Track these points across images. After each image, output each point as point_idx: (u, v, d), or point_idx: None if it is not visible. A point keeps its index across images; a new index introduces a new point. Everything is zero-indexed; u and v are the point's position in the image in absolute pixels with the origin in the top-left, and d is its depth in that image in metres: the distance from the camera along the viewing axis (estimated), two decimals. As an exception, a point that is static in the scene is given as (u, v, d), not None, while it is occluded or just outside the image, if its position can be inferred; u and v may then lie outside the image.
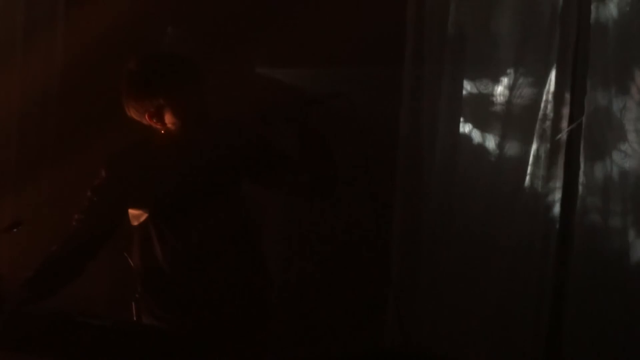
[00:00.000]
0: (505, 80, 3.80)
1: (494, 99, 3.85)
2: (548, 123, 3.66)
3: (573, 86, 3.62)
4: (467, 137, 3.95)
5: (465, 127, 3.95)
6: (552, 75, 3.64)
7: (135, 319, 3.30)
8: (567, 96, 3.63)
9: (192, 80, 3.15)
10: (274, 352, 3.34)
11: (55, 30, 4.30)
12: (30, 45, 4.26)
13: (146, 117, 3.16)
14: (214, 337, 3.13)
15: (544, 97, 3.67)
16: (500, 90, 3.81)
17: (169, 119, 3.16)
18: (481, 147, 3.91)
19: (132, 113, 3.19)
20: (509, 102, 3.79)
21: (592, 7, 3.56)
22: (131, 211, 3.24)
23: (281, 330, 3.44)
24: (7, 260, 3.68)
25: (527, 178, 3.71)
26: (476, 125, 3.93)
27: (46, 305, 3.14)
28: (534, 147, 3.70)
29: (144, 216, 3.22)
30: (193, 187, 3.19)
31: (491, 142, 3.86)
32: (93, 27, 4.18)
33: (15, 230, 3.20)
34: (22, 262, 3.31)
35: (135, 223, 3.25)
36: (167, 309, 3.23)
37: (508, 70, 3.79)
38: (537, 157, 3.70)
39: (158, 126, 3.19)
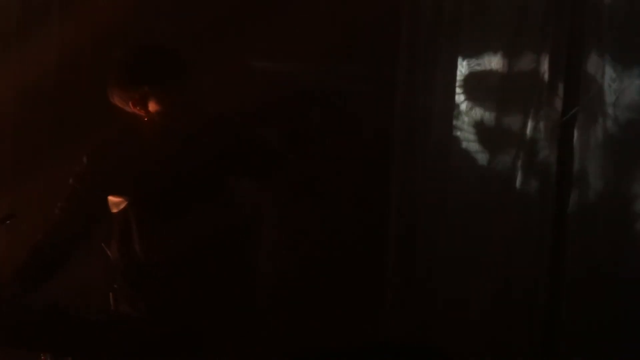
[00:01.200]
0: (499, 65, 3.79)
1: (487, 86, 3.85)
2: (542, 112, 3.65)
3: (568, 72, 3.61)
4: (462, 128, 3.95)
5: (460, 117, 3.95)
6: (547, 60, 3.63)
7: (113, 309, 3.31)
8: (561, 85, 3.62)
9: (177, 71, 3.18)
10: (262, 346, 3.34)
11: (51, 25, 4.31)
12: (26, 39, 4.27)
13: (130, 104, 3.19)
14: (196, 332, 3.14)
15: (538, 85, 3.66)
16: (493, 76, 3.81)
17: (152, 107, 3.18)
18: (475, 137, 3.91)
19: (117, 101, 3.23)
20: (502, 89, 3.79)
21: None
22: (111, 198, 3.25)
23: (268, 323, 3.44)
24: (1, 254, 3.69)
25: (521, 167, 3.71)
26: (471, 113, 3.93)
27: (38, 298, 3.16)
28: (528, 133, 3.69)
29: (124, 203, 3.23)
30: (175, 177, 3.20)
31: (485, 132, 3.87)
32: (87, 22, 4.19)
33: (7, 222, 3.23)
34: (17, 256, 3.30)
35: (114, 210, 3.26)
36: (145, 300, 3.24)
37: (503, 54, 3.78)
38: (531, 143, 3.69)
39: (142, 113, 3.21)
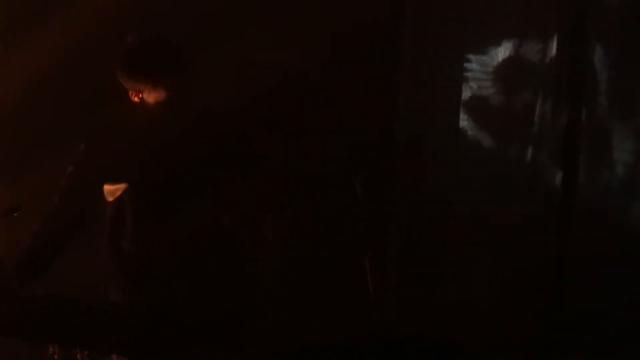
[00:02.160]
0: (505, 53, 3.80)
1: (494, 73, 3.85)
2: (548, 105, 3.67)
3: (573, 58, 3.62)
4: (468, 116, 3.96)
5: (466, 106, 3.96)
6: (554, 48, 3.64)
7: (105, 297, 3.32)
8: (568, 70, 3.62)
9: (180, 65, 3.16)
10: (255, 340, 3.35)
11: (50, 15, 4.30)
12: (26, 32, 4.26)
13: (131, 94, 3.18)
14: (191, 326, 3.15)
15: (544, 74, 3.67)
16: (500, 63, 3.82)
17: (151, 98, 3.16)
18: (482, 127, 3.92)
19: (124, 83, 3.21)
20: (509, 77, 3.79)
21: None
22: (107, 186, 3.26)
23: (265, 320, 3.44)
24: (5, 245, 3.68)
25: (529, 152, 3.72)
26: (477, 103, 3.94)
27: (42, 289, 3.17)
28: (535, 123, 3.70)
29: (119, 191, 3.24)
30: (170, 168, 3.21)
31: (492, 121, 3.87)
32: (86, 12, 4.18)
33: (15, 214, 3.23)
34: (19, 247, 3.31)
35: (110, 198, 3.27)
36: (136, 290, 3.26)
37: (508, 42, 3.78)
38: (539, 131, 3.69)
39: (139, 103, 3.19)
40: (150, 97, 3.17)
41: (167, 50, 3.16)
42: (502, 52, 3.82)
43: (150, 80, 3.13)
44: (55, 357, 3.17)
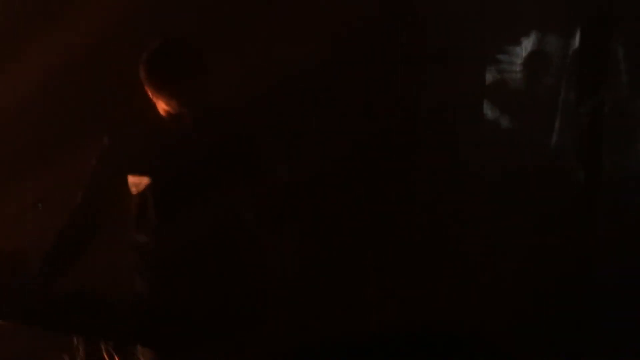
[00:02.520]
0: (529, 43, 3.78)
1: (518, 59, 3.84)
2: (572, 93, 3.64)
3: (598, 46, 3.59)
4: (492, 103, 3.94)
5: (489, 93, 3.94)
6: (577, 37, 3.61)
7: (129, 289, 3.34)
8: (591, 55, 3.59)
9: (201, 69, 3.17)
10: (268, 336, 3.36)
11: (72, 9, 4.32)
12: (50, 24, 4.28)
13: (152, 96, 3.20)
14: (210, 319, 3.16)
15: (569, 58, 3.64)
16: (524, 51, 3.80)
17: (170, 103, 3.18)
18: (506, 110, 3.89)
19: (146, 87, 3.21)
20: (533, 64, 3.77)
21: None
22: (131, 179, 3.27)
23: (276, 316, 3.44)
24: (31, 238, 3.71)
25: (554, 137, 3.70)
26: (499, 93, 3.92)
27: (67, 282, 3.20)
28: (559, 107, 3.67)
29: (143, 184, 3.25)
30: (192, 164, 3.21)
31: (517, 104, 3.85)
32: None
33: (39, 206, 3.25)
34: (46, 239, 3.33)
35: (134, 191, 3.28)
36: (161, 283, 3.27)
37: (531, 32, 3.76)
38: (564, 116, 3.67)
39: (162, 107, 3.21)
40: (172, 102, 3.18)
41: (187, 57, 3.16)
42: (526, 41, 3.80)
43: (171, 86, 3.14)
44: (80, 348, 3.19)
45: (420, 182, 4.17)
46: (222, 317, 3.21)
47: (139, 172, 3.26)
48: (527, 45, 3.84)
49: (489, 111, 3.99)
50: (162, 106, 3.19)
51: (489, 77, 3.99)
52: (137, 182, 3.27)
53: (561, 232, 3.74)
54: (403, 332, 3.54)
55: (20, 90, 4.20)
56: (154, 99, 3.20)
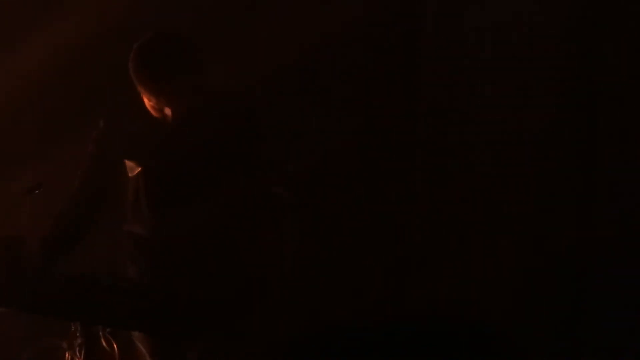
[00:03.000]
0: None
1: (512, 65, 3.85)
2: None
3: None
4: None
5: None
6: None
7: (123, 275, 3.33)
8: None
9: (196, 69, 3.17)
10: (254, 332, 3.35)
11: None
12: (47, 13, 4.28)
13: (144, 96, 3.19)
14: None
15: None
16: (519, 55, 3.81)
17: (163, 100, 3.17)
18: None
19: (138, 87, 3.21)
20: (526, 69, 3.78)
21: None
22: (127, 162, 3.26)
23: (271, 304, 3.44)
24: (29, 223, 3.70)
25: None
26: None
27: (65, 267, 3.19)
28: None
29: (137, 169, 3.24)
30: (182, 156, 3.21)
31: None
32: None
33: (37, 192, 3.25)
34: (44, 225, 3.33)
35: (130, 174, 3.27)
36: (151, 268, 3.26)
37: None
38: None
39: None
40: (160, 101, 3.17)
41: (180, 53, 3.15)
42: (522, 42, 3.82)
43: (160, 84, 3.13)
44: (78, 334, 3.18)
45: (422, 181, 4.18)
46: (216, 304, 3.20)
47: (133, 158, 3.25)
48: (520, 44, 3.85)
49: (487, 109, 3.99)
50: (149, 104, 3.17)
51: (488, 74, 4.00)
52: (132, 166, 3.27)
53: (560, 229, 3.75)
54: (405, 330, 3.54)
55: (17, 78, 4.20)
56: (143, 95, 3.18)
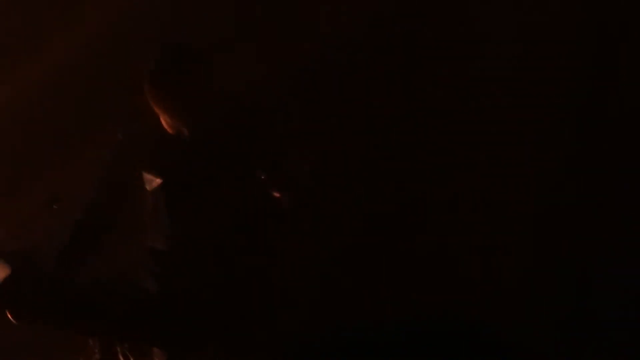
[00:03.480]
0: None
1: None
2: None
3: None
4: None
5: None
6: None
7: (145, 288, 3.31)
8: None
9: (208, 81, 3.17)
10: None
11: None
12: (64, 22, 4.27)
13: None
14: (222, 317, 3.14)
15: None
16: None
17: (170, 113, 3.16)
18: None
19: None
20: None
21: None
22: (146, 175, 3.25)
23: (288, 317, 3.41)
24: (45, 234, 3.69)
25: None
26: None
27: (81, 278, 3.18)
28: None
29: (157, 182, 3.22)
30: (200, 165, 3.21)
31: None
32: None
33: (55, 206, 3.24)
34: (60, 238, 3.31)
35: (148, 187, 3.26)
36: (172, 280, 3.24)
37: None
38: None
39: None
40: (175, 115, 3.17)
41: (192, 68, 3.15)
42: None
43: (175, 101, 3.14)
44: (95, 349, 3.17)
45: (422, 181, 4.16)
46: (234, 318, 3.19)
47: (152, 170, 3.23)
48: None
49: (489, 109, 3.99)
50: (165, 119, 3.16)
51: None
52: (151, 179, 3.24)
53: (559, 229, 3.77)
54: (406, 330, 3.53)
55: (34, 89, 4.19)
56: (157, 110, 3.18)
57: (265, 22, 4.22)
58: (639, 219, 3.68)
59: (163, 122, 3.21)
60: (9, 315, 3.05)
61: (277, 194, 3.19)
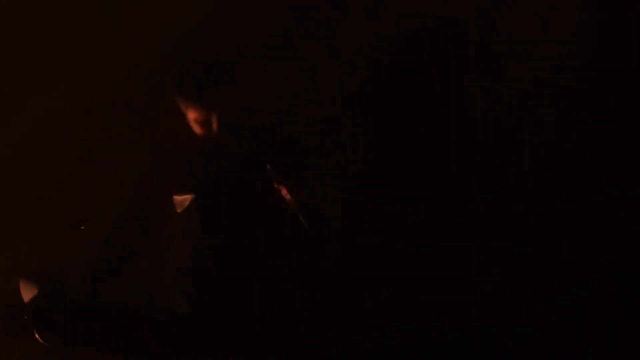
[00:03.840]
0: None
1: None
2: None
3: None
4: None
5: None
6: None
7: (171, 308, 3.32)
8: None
9: (229, 85, 3.20)
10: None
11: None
12: (94, 40, 4.30)
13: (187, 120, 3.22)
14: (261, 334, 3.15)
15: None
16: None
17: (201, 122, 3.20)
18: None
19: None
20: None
21: None
22: (176, 197, 3.27)
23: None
24: (72, 255, 3.71)
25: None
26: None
27: (109, 299, 3.19)
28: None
29: (188, 202, 3.24)
30: (233, 180, 3.23)
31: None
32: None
33: (83, 227, 3.26)
34: (88, 259, 3.34)
35: (179, 210, 3.27)
36: (207, 300, 3.25)
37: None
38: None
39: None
40: (201, 116, 3.20)
41: (213, 71, 3.19)
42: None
43: (199, 102, 3.17)
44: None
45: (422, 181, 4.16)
46: (267, 334, 3.19)
47: (183, 190, 3.26)
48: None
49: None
50: (192, 116, 3.20)
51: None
52: (181, 200, 3.26)
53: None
54: (406, 330, 3.53)
55: (63, 109, 4.22)
56: (184, 110, 3.21)
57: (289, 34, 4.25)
58: (639, 218, 3.68)
59: (190, 120, 3.22)
60: (37, 337, 3.06)
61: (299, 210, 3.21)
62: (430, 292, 3.90)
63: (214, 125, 3.17)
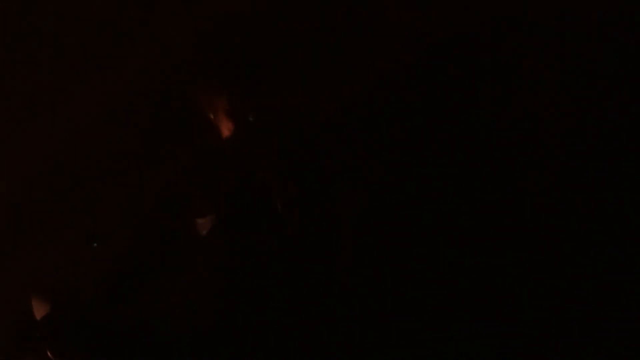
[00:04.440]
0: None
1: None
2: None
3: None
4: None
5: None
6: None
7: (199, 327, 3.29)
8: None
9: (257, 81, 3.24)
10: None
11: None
12: (118, 55, 4.31)
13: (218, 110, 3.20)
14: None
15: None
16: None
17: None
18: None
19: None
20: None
21: None
22: (199, 220, 3.25)
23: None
24: (86, 276, 3.71)
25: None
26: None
27: (125, 318, 3.18)
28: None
29: (210, 222, 3.23)
30: (255, 190, 3.21)
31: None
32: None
33: (95, 244, 3.26)
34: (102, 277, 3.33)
35: (203, 232, 3.26)
36: (234, 317, 3.22)
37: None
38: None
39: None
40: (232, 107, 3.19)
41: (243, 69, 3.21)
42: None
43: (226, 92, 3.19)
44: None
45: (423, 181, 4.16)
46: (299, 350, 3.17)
47: (206, 211, 3.23)
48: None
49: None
50: (222, 108, 3.18)
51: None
52: (204, 222, 3.25)
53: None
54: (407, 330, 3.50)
55: (74, 125, 4.22)
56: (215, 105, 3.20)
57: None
58: (639, 218, 3.67)
59: (220, 114, 3.24)
60: (49, 354, 3.06)
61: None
62: (435, 292, 3.89)
63: (242, 120, 3.15)
